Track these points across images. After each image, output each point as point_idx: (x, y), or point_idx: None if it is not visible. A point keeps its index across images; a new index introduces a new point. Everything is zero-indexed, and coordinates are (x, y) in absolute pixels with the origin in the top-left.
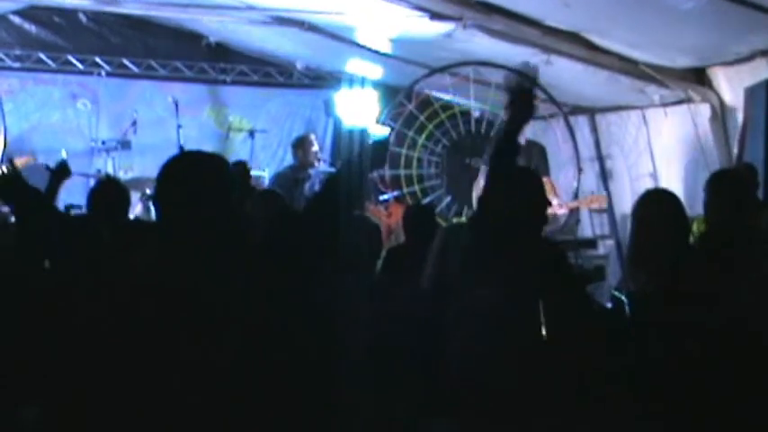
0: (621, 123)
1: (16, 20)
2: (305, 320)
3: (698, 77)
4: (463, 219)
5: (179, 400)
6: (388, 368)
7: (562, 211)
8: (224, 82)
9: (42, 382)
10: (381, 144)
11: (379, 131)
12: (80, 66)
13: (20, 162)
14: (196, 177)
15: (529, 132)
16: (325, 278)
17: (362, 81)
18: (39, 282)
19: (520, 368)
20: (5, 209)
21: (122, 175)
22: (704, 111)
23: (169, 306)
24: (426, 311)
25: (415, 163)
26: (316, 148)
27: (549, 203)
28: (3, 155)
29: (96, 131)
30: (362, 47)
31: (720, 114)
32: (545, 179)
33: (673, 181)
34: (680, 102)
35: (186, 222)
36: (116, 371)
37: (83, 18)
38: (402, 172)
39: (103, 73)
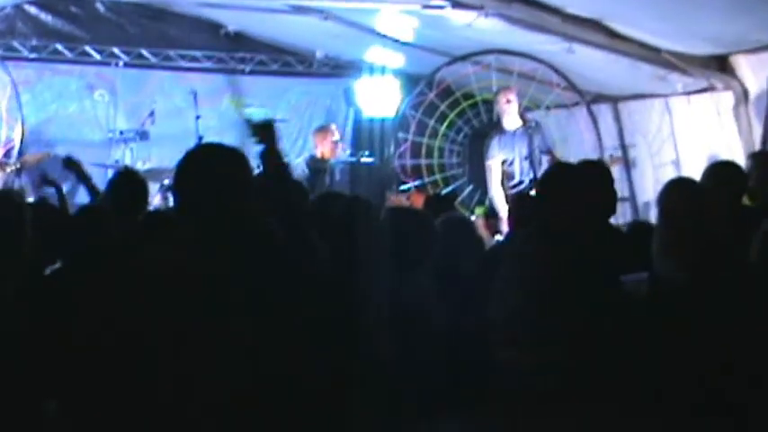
0: (644, 112)
1: (32, 10)
2: (326, 314)
3: (721, 65)
4: (484, 209)
5: (195, 392)
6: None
7: None
8: (243, 72)
9: (61, 377)
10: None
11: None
12: (97, 56)
13: (35, 158)
14: (214, 168)
15: (550, 120)
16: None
17: (383, 70)
18: (56, 274)
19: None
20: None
21: (140, 166)
22: (727, 99)
23: (186, 297)
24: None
25: (436, 152)
26: (336, 137)
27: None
28: (20, 146)
29: (114, 122)
30: (383, 35)
31: (743, 102)
32: (551, 156)
33: (696, 169)
34: (703, 90)
35: (204, 213)
36: (133, 364)
37: (100, 7)
38: (423, 161)
39: (121, 63)
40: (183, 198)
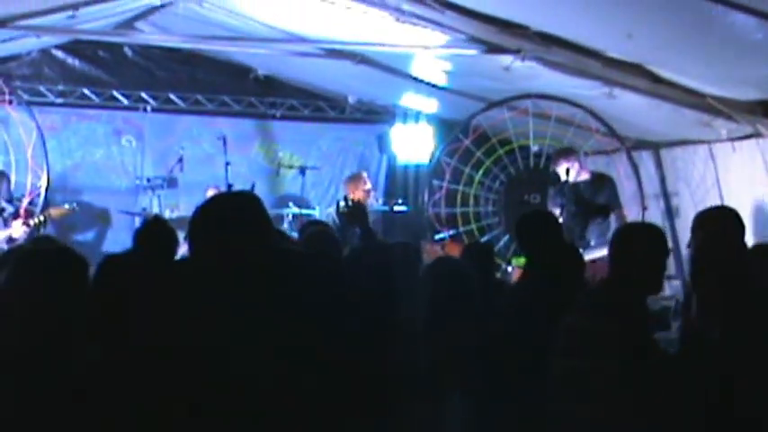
0: (687, 158)
1: (59, 54)
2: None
3: (767, 111)
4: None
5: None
6: None
7: None
8: (273, 117)
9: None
10: None
11: None
12: (125, 101)
13: (59, 212)
14: (225, 215)
15: (593, 166)
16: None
17: (417, 115)
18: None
19: None
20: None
21: (168, 214)
22: None
23: (200, 344)
24: None
25: (471, 200)
26: (368, 186)
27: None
28: (46, 194)
29: (141, 169)
30: (417, 80)
31: None
32: (618, 212)
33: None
34: (748, 136)
35: (215, 258)
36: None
37: (128, 52)
38: (458, 210)
39: (149, 108)
40: (195, 245)
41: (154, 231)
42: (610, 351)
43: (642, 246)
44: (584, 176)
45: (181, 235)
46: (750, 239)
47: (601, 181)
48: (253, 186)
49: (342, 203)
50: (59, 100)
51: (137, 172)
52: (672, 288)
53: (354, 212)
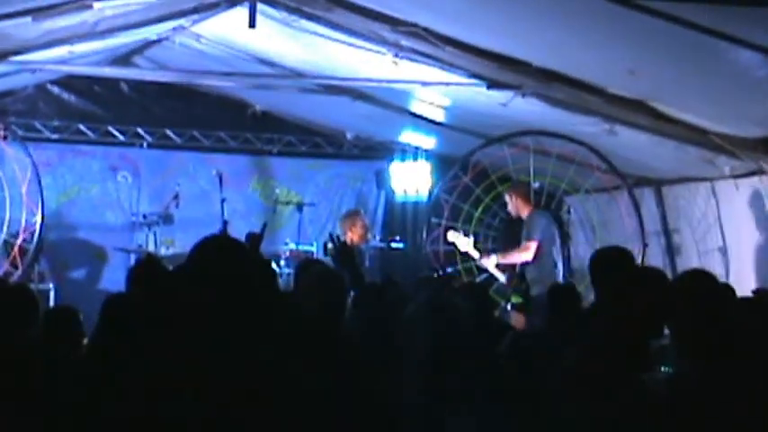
0: (689, 196)
1: (54, 89)
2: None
3: None
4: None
5: None
6: None
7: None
8: (270, 153)
9: None
10: None
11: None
12: (121, 137)
13: None
14: (208, 262)
15: (590, 205)
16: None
17: (415, 151)
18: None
19: None
20: None
21: (164, 252)
22: None
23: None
24: None
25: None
26: (365, 223)
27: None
28: (41, 230)
29: (137, 205)
30: (415, 116)
31: None
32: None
33: (744, 257)
34: (751, 173)
35: (199, 304)
36: None
37: (124, 87)
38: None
39: (145, 144)
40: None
41: (147, 271)
42: (607, 394)
43: (642, 290)
44: (525, 212)
45: None
46: (752, 277)
47: (532, 216)
48: (264, 225)
49: (330, 245)
50: (55, 136)
51: (132, 208)
52: None
53: (342, 254)
